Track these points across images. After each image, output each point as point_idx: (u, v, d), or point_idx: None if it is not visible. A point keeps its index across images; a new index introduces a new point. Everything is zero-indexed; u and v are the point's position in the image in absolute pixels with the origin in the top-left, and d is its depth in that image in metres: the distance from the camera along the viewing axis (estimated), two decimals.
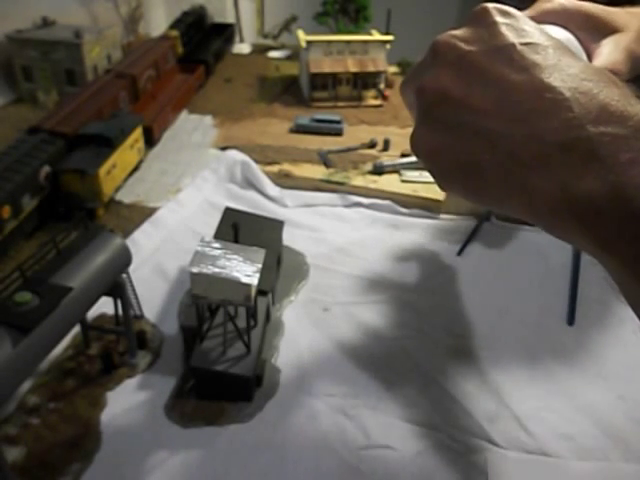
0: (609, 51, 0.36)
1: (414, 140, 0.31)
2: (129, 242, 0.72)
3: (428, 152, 0.31)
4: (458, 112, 0.29)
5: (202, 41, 1.48)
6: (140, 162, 0.98)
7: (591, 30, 0.37)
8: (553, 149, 0.25)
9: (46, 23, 1.23)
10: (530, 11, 0.38)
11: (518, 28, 0.29)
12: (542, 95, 0.26)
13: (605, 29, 0.37)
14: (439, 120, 0.30)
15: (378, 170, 0.97)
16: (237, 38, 1.67)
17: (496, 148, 0.27)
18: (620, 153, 0.24)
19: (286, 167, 0.99)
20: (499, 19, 0.29)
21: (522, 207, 0.28)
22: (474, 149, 0.28)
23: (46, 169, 0.80)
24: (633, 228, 0.24)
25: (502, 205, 0.29)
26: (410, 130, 0.33)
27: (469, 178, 0.29)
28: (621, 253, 0.24)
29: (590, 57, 0.37)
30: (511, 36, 0.28)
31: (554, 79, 0.26)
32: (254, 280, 0.53)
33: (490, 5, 0.30)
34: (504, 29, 0.29)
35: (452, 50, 0.30)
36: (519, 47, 0.28)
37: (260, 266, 0.55)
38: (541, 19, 0.37)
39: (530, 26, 0.29)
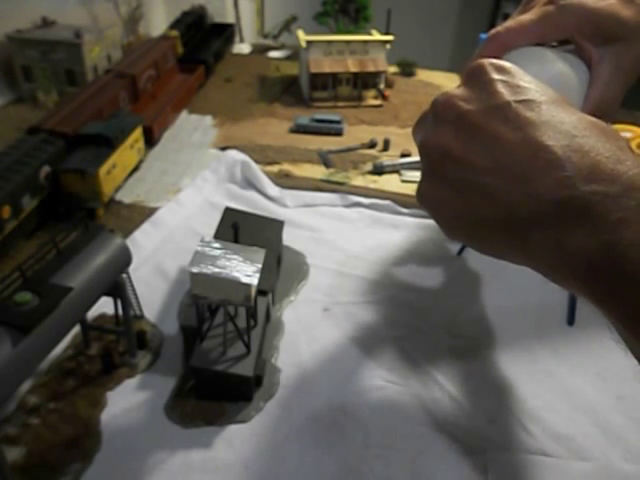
0: (608, 80, 0.36)
1: (420, 193, 0.33)
2: (129, 242, 0.72)
3: (433, 205, 0.32)
4: (459, 169, 0.30)
5: (202, 41, 1.48)
6: (140, 162, 0.98)
7: (598, 38, 0.36)
8: (548, 207, 0.26)
9: (46, 23, 1.23)
10: (530, 14, 0.37)
11: (513, 85, 0.30)
12: (536, 154, 0.27)
13: (616, 33, 0.36)
14: (441, 175, 0.31)
15: (378, 170, 0.97)
16: (237, 38, 1.67)
17: (496, 204, 0.28)
18: (610, 212, 0.25)
19: (286, 167, 0.99)
20: (495, 76, 0.30)
21: (523, 259, 0.29)
22: (475, 204, 0.29)
23: (46, 169, 0.80)
24: (623, 286, 0.24)
25: (504, 256, 0.30)
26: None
27: (472, 230, 0.30)
28: (614, 309, 0.25)
29: (590, 67, 0.37)
30: (506, 94, 0.29)
31: (547, 137, 0.27)
32: (254, 280, 0.53)
33: (486, 62, 0.31)
34: (500, 87, 0.30)
35: (451, 109, 0.31)
36: (514, 105, 0.29)
37: (260, 266, 0.55)
38: (542, 27, 0.37)
39: (525, 81, 0.30)
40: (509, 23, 0.38)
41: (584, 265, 0.25)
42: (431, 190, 0.32)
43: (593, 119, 0.28)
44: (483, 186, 0.28)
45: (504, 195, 0.28)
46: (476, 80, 0.31)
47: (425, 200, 0.33)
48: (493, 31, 0.38)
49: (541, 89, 0.30)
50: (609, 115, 0.35)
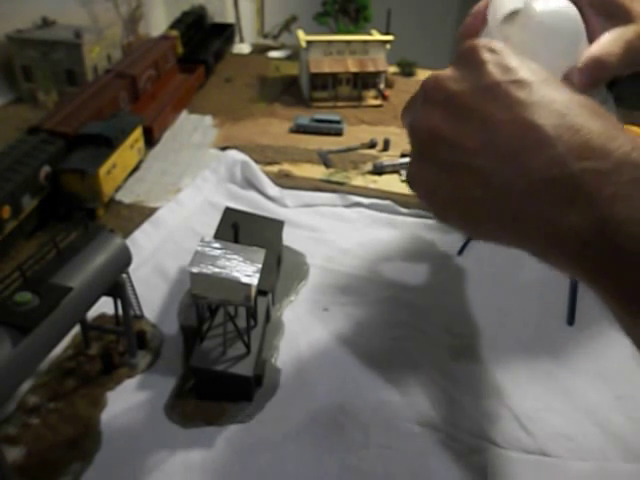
0: (608, 41, 0.35)
1: (410, 177, 0.33)
2: (129, 242, 0.72)
3: (423, 188, 0.32)
4: (449, 150, 0.29)
5: (202, 41, 1.48)
6: (140, 162, 0.98)
7: (605, 14, 0.36)
8: (540, 186, 0.26)
9: (46, 23, 1.23)
10: None
11: (504, 65, 0.29)
12: (527, 134, 0.27)
13: (620, 17, 0.36)
14: (431, 158, 0.31)
15: (378, 170, 0.97)
16: (237, 38, 1.67)
17: (487, 185, 0.28)
18: (602, 189, 0.25)
19: (286, 167, 0.99)
20: (487, 57, 0.30)
21: (515, 240, 0.29)
22: (467, 186, 0.29)
23: (46, 169, 0.80)
24: (617, 262, 0.24)
25: (497, 238, 0.30)
26: None
27: (464, 213, 0.30)
28: (608, 287, 0.25)
29: (592, 41, 0.37)
30: (497, 74, 0.29)
31: (538, 117, 0.27)
32: (254, 280, 0.53)
33: (479, 43, 0.31)
34: (491, 67, 0.29)
35: (441, 90, 0.30)
36: (504, 85, 0.28)
37: (260, 266, 0.55)
38: None
39: (516, 61, 0.30)
40: None
41: (577, 243, 0.25)
42: (421, 173, 0.32)
43: (584, 99, 0.28)
44: (473, 167, 0.28)
45: (495, 176, 0.27)
46: (467, 61, 0.31)
47: (416, 184, 0.32)
48: None
49: (532, 69, 0.29)
50: (608, 72, 0.34)
